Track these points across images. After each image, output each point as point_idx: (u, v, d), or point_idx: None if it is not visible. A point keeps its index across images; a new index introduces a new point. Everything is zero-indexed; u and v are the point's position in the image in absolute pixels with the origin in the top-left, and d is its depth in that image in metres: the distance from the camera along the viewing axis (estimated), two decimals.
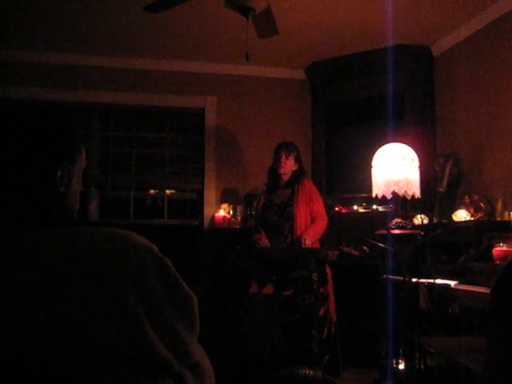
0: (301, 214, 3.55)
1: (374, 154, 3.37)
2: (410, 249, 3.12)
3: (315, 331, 3.06)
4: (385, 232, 3.22)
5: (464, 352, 2.16)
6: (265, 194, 3.77)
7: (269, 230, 3.61)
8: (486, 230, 3.13)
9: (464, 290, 2.74)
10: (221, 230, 4.56)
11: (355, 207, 4.48)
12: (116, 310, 0.80)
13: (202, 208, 4.83)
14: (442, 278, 2.94)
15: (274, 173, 3.71)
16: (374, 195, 3.35)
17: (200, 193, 4.91)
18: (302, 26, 4.06)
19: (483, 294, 2.49)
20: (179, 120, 4.99)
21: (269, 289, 3.24)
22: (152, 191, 5.11)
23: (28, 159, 0.92)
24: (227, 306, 3.39)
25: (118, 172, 4.84)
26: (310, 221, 3.58)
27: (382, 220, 3.82)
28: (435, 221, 3.82)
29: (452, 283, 2.83)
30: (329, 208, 4.06)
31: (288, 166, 3.63)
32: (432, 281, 2.93)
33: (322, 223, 3.58)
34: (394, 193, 3.21)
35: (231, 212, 4.67)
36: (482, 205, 3.51)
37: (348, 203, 4.52)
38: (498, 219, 3.46)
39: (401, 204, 3.54)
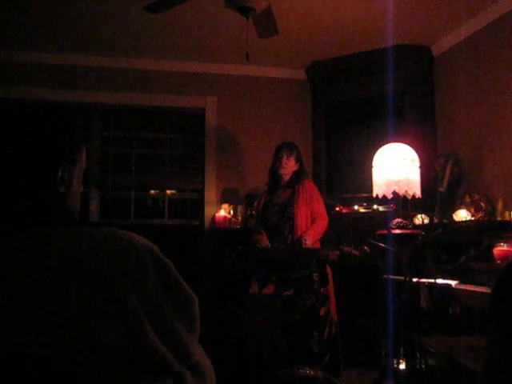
0: (301, 214, 3.55)
1: (374, 153, 3.37)
2: (411, 249, 3.12)
3: (316, 331, 3.06)
4: (385, 232, 3.22)
5: (464, 352, 2.16)
6: (265, 194, 3.77)
7: (269, 230, 3.61)
8: (487, 229, 3.13)
9: (464, 290, 2.74)
10: (221, 230, 4.55)
11: (356, 207, 4.48)
12: (116, 310, 0.80)
13: (203, 208, 4.83)
14: (443, 278, 2.94)
15: (274, 173, 3.71)
16: (374, 195, 3.35)
17: (200, 193, 4.91)
18: (302, 26, 4.06)
19: (484, 293, 2.49)
20: (179, 120, 4.99)
21: (269, 289, 3.23)
22: (152, 191, 5.12)
23: (28, 159, 0.92)
24: (227, 306, 3.38)
25: (118, 172, 4.84)
26: (311, 221, 3.57)
27: (382, 220, 3.82)
28: (436, 221, 3.82)
29: (453, 283, 2.83)
30: (329, 208, 4.06)
31: (289, 166, 3.63)
32: (433, 281, 2.93)
33: (322, 223, 3.58)
34: (394, 193, 3.21)
35: (232, 212, 4.67)
36: (482, 204, 3.51)
37: (348, 203, 4.52)
38: (499, 219, 3.46)
39: (401, 204, 3.54)
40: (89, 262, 0.82)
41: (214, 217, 4.71)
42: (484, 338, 0.98)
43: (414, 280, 3.02)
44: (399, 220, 3.23)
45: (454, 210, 3.59)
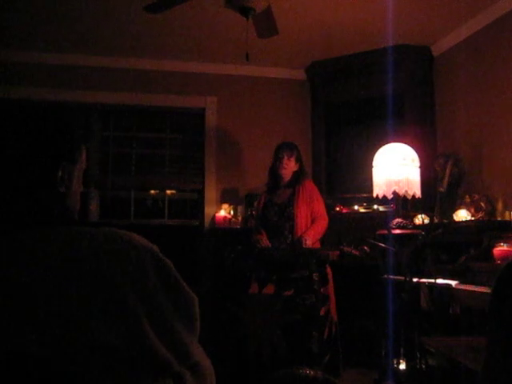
0: (301, 214, 3.55)
1: (374, 154, 3.38)
2: (411, 249, 3.12)
3: (315, 331, 3.06)
4: (385, 232, 3.22)
5: (464, 352, 2.16)
6: (265, 194, 3.77)
7: (269, 230, 3.61)
8: (487, 229, 3.13)
9: (464, 290, 2.74)
10: (221, 230, 4.55)
11: (356, 207, 4.48)
12: (116, 310, 0.80)
13: (203, 208, 4.83)
14: (443, 278, 2.94)
15: (274, 173, 3.71)
16: (374, 195, 3.36)
17: (200, 193, 4.91)
18: (301, 26, 4.06)
19: (484, 293, 2.49)
20: (179, 120, 4.99)
21: (269, 289, 3.23)
22: (152, 191, 5.11)
23: (28, 159, 0.92)
24: (227, 306, 3.38)
25: (118, 172, 4.84)
26: (311, 221, 3.58)
27: (382, 220, 3.83)
28: (436, 221, 3.82)
29: (453, 283, 2.83)
30: (329, 208, 4.06)
31: (290, 166, 3.63)
32: (433, 281, 2.93)
33: (322, 223, 3.58)
34: (394, 193, 3.21)
35: (232, 212, 4.67)
36: (482, 204, 3.51)
37: (349, 203, 4.52)
38: (499, 219, 3.46)
39: (401, 204, 3.54)
40: (89, 262, 0.82)
41: (214, 217, 4.71)
42: (484, 338, 0.98)
43: (414, 280, 3.02)
44: (399, 220, 3.23)
45: (454, 210, 3.59)
